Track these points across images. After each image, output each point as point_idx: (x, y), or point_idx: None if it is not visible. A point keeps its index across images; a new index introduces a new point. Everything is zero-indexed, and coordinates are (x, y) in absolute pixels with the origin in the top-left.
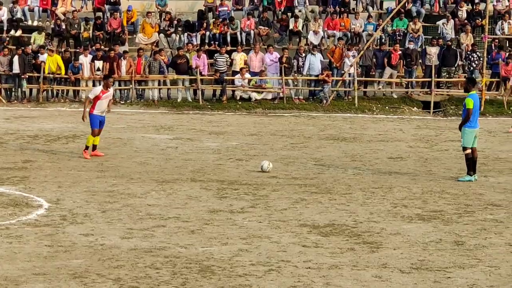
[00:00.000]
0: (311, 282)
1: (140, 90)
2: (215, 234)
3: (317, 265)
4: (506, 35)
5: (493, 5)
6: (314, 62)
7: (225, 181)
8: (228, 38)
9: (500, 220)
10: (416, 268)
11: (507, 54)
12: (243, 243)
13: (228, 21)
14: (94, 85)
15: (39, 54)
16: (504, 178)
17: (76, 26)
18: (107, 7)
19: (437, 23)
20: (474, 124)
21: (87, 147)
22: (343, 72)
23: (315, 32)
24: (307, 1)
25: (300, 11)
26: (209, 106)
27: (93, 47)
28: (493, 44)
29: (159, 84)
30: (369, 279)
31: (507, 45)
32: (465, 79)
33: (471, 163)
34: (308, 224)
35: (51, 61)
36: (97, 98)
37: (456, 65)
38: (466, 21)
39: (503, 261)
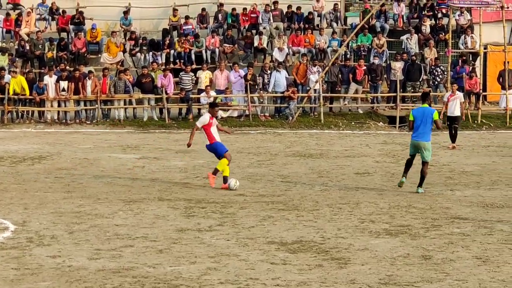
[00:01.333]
0: None
1: (106, 109)
2: (183, 253)
3: (285, 282)
4: (469, 49)
5: (456, 19)
6: (280, 79)
7: (192, 199)
8: (193, 57)
9: (467, 234)
10: (384, 284)
11: (471, 68)
12: (211, 262)
13: (193, 39)
14: (59, 105)
15: (3, 75)
16: (470, 192)
17: (40, 46)
18: (71, 27)
19: (401, 38)
20: (414, 135)
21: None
22: (308, 88)
23: (280, 49)
24: (271, 18)
25: (264, 28)
26: (175, 125)
27: (58, 68)
28: (460, 60)
29: (124, 104)
30: None
31: (471, 59)
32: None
33: (406, 167)
34: (276, 241)
35: (15, 82)
36: (208, 125)
37: (420, 80)
38: (429, 35)
39: (471, 274)
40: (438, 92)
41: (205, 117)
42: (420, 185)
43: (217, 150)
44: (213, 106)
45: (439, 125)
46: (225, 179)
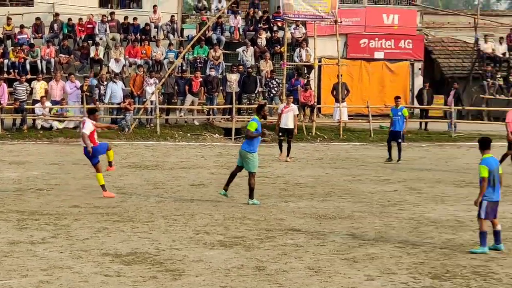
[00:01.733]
0: None
1: None
2: (14, 266)
3: None
4: (304, 62)
5: (291, 33)
6: (116, 90)
7: (25, 211)
8: (28, 66)
9: (300, 245)
10: None
11: (306, 80)
12: (43, 275)
13: (28, 48)
14: None
15: None
16: (304, 203)
17: None
18: None
19: (237, 50)
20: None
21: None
22: (144, 100)
23: (117, 60)
24: (108, 29)
25: (101, 38)
26: (9, 136)
27: None
28: (295, 73)
29: None
30: None
31: (305, 72)
32: None
33: (229, 178)
34: (110, 253)
35: None
36: (94, 132)
37: (256, 92)
38: (265, 48)
39: (303, 284)
40: (274, 104)
41: (89, 124)
42: (250, 196)
43: (100, 152)
44: (92, 112)
45: (247, 134)
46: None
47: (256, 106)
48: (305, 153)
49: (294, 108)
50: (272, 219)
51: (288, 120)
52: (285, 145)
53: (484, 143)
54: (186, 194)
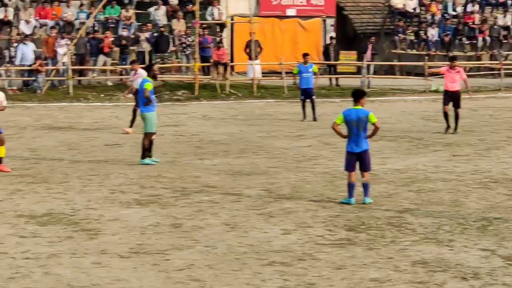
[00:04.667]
0: (30, 272)
1: None
2: None
3: (35, 255)
4: (216, 20)
5: None
6: (27, 52)
7: None
8: None
9: (216, 201)
10: (135, 252)
11: (218, 39)
12: None
13: None
14: None
15: None
16: (219, 160)
17: None
18: None
19: (149, 10)
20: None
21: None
22: (57, 61)
23: (27, 22)
24: None
25: (10, 0)
26: None
27: None
28: (201, 30)
29: None
30: (88, 266)
31: (218, 30)
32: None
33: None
34: (25, 214)
35: None
36: None
37: (169, 51)
38: (178, 7)
39: (220, 240)
40: (185, 62)
41: None
42: (142, 156)
43: None
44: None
45: (145, 95)
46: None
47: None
48: (219, 111)
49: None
50: (187, 176)
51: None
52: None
53: (354, 95)
54: (101, 154)
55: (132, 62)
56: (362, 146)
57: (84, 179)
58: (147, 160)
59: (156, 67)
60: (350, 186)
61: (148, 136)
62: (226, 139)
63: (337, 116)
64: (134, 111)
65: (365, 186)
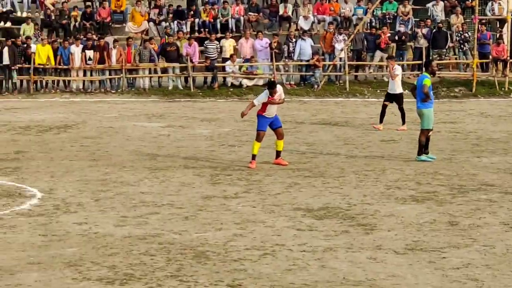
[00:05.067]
0: (306, 265)
1: (131, 78)
2: (209, 220)
3: (311, 248)
4: (496, 15)
5: None
6: (305, 47)
7: (218, 167)
8: (218, 25)
9: (494, 200)
10: (410, 249)
11: (498, 35)
12: (237, 228)
13: (218, 7)
14: (85, 75)
15: (29, 45)
16: (497, 158)
17: (65, 16)
18: None
19: (427, 5)
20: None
21: (253, 156)
22: (334, 56)
23: (305, 17)
24: None
25: None
26: (200, 94)
27: (83, 37)
28: (479, 26)
29: (149, 73)
30: (364, 261)
31: (498, 26)
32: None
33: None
34: (302, 208)
35: (42, 51)
36: (265, 104)
37: (446, 47)
38: (456, 2)
39: (498, 240)
40: (464, 59)
41: (263, 96)
42: (418, 153)
43: (257, 122)
44: (271, 86)
45: (423, 91)
46: (253, 157)
47: (447, 60)
48: (498, 108)
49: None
50: (464, 174)
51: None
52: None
53: None
54: (377, 150)
55: (388, 58)
56: None
57: (360, 174)
58: (423, 157)
59: (434, 63)
60: None
61: (424, 132)
62: (505, 137)
63: None
64: (384, 107)
65: None
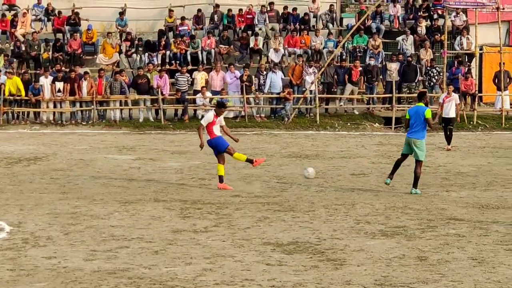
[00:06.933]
0: None
1: (102, 110)
2: (178, 254)
3: (281, 283)
4: (465, 50)
5: (451, 20)
6: (275, 80)
7: (188, 200)
8: (189, 57)
9: (463, 235)
10: (379, 284)
11: (466, 69)
12: (207, 263)
13: (189, 40)
14: (55, 106)
15: None
16: (466, 193)
17: (36, 47)
18: (67, 28)
19: (397, 39)
20: (408, 133)
21: (221, 178)
22: (304, 89)
23: (276, 50)
24: (267, 19)
25: (260, 29)
26: (171, 126)
27: (54, 69)
28: (456, 61)
29: (120, 105)
30: None
31: (466, 60)
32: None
33: (394, 167)
34: (271, 242)
35: (10, 83)
36: (212, 123)
37: (416, 81)
38: (425, 36)
39: (466, 275)
40: (434, 93)
41: (210, 115)
42: (414, 185)
43: (217, 146)
44: (220, 106)
45: (430, 123)
46: (220, 179)
47: (416, 94)
48: (466, 142)
49: (455, 97)
50: (433, 208)
51: (450, 109)
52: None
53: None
54: (347, 184)
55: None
56: None
57: (330, 208)
58: (418, 190)
59: (428, 94)
60: None
61: (421, 164)
62: (473, 171)
63: None
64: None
65: None
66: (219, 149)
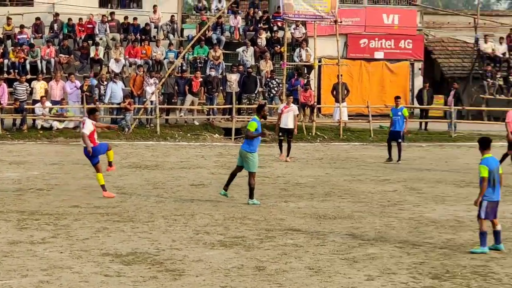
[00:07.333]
0: None
1: None
2: (14, 266)
3: None
4: (304, 62)
5: (291, 33)
6: (116, 90)
7: (25, 211)
8: (28, 66)
9: (300, 245)
10: None
11: (306, 80)
12: (43, 275)
13: (28, 48)
14: None
15: None
16: (304, 203)
17: None
18: None
19: (237, 50)
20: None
21: (103, 187)
22: (144, 100)
23: (117, 60)
24: (108, 29)
25: (101, 39)
26: (9, 136)
27: None
28: (295, 73)
29: None
30: None
31: (305, 71)
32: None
33: (229, 178)
34: (110, 253)
35: None
36: (92, 132)
37: (256, 92)
38: (265, 48)
39: (303, 284)
40: (274, 104)
41: (89, 124)
42: (250, 196)
43: (100, 152)
44: (92, 112)
45: (248, 134)
46: (103, 188)
47: (256, 106)
48: (305, 153)
49: (294, 108)
50: (272, 219)
51: (288, 120)
52: (285, 145)
53: (484, 143)
54: (186, 194)
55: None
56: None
57: (169, 219)
58: (256, 201)
59: (266, 108)
60: (484, 235)
61: (254, 175)
62: (311, 181)
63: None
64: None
65: (499, 233)
66: (94, 159)
